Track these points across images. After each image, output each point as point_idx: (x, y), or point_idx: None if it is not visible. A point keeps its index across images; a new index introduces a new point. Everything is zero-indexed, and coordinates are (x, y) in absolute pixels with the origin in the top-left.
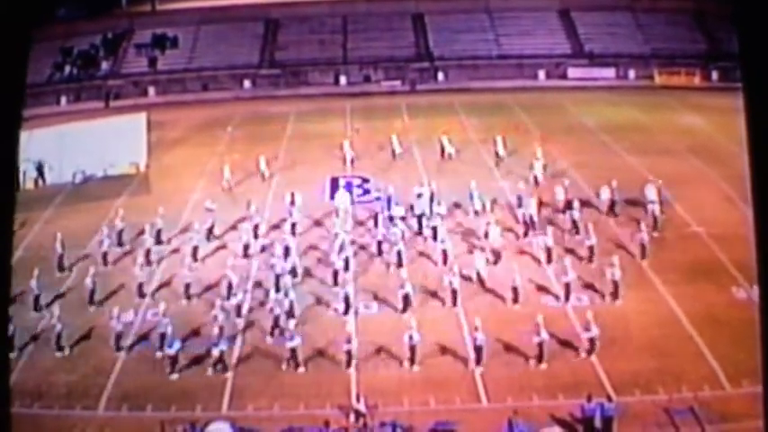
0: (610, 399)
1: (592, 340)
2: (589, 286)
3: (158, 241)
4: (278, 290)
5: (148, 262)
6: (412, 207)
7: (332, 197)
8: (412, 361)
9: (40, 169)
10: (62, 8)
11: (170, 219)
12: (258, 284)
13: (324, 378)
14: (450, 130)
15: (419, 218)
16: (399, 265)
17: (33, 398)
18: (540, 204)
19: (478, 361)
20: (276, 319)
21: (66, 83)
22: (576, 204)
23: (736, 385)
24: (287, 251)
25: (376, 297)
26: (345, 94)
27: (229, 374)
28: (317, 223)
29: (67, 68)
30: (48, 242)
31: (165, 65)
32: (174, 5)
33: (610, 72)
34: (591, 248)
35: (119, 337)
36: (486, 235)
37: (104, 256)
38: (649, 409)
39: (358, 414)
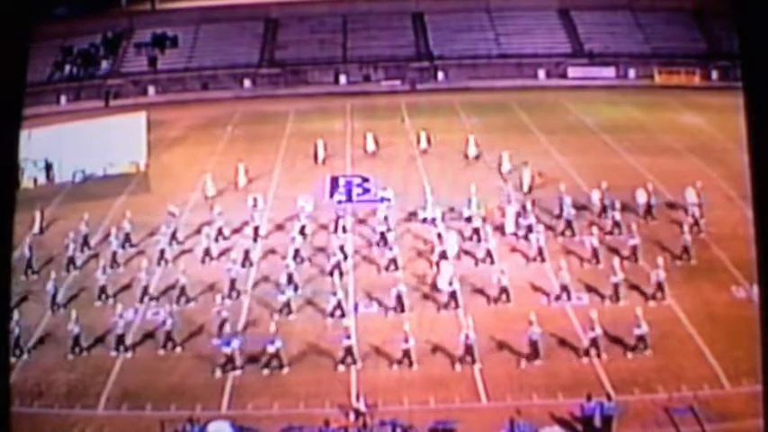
0: (609, 398)
1: (641, 337)
2: (635, 287)
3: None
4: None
5: (161, 260)
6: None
7: (331, 196)
8: (410, 361)
9: (47, 168)
10: (62, 7)
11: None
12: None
13: (323, 377)
14: (431, 127)
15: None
16: (396, 267)
17: (33, 397)
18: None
19: (473, 360)
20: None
21: (66, 82)
22: (617, 205)
23: (735, 384)
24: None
25: (374, 297)
26: (345, 93)
27: (230, 374)
28: (280, 227)
29: (67, 67)
30: (53, 240)
31: (164, 64)
32: (173, 5)
33: (610, 71)
34: (634, 248)
35: (121, 336)
36: (478, 234)
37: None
38: (649, 408)
39: (358, 413)
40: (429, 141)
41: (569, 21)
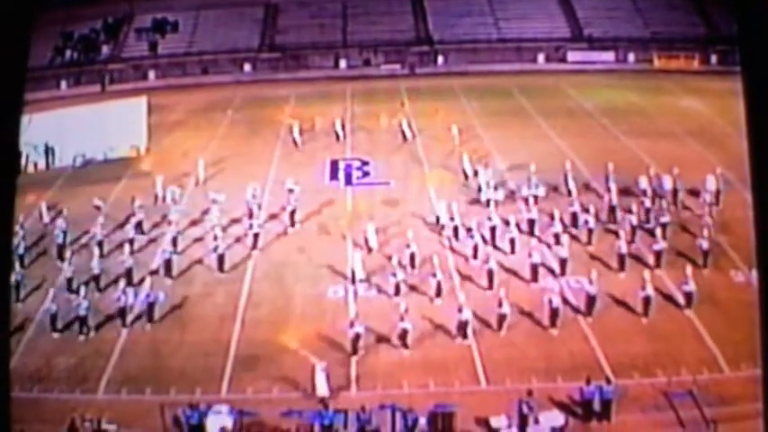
0: (609, 381)
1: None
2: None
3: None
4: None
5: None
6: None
7: (331, 179)
8: (405, 344)
9: (47, 152)
10: None
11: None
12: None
13: (323, 361)
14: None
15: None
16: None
17: (33, 381)
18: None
19: (464, 336)
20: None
21: (66, 67)
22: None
23: (734, 368)
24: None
25: (374, 281)
26: (345, 77)
27: (230, 358)
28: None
29: (68, 53)
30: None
31: (165, 49)
32: None
33: (609, 55)
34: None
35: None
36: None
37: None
38: (648, 392)
39: (323, 402)
40: (411, 128)
41: (569, 5)
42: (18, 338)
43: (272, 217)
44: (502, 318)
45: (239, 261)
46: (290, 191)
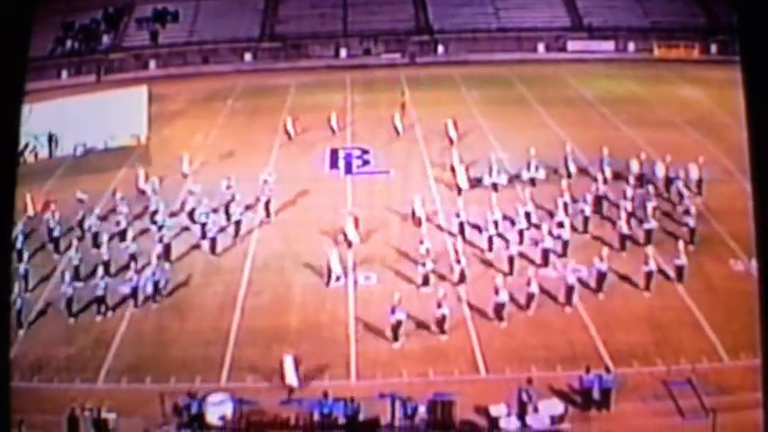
0: (608, 370)
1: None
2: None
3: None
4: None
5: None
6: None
7: (331, 168)
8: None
9: (50, 141)
10: None
11: (170, 191)
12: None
13: (322, 350)
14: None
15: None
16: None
17: (33, 371)
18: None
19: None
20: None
21: (67, 57)
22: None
23: (733, 357)
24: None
25: (375, 269)
26: (345, 66)
27: (229, 347)
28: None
29: (69, 43)
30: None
31: (166, 38)
32: None
33: (609, 45)
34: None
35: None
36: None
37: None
38: (647, 381)
39: (290, 390)
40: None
41: None
42: (18, 326)
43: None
44: (500, 306)
45: (240, 249)
46: (265, 182)
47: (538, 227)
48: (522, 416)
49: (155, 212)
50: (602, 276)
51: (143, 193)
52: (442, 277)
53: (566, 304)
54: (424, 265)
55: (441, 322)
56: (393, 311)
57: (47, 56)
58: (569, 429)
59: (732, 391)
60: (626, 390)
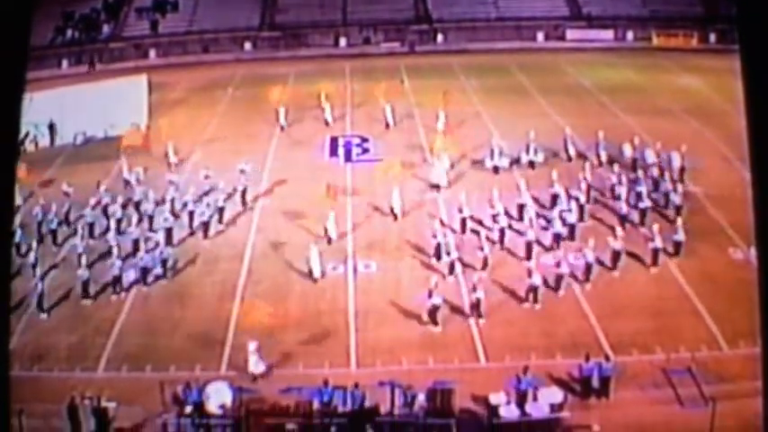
0: (608, 358)
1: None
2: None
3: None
4: None
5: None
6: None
7: (331, 156)
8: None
9: (51, 129)
10: None
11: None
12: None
13: (323, 338)
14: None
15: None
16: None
17: (33, 360)
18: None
19: (478, 315)
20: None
21: (67, 46)
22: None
23: (733, 346)
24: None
25: (375, 256)
26: (345, 55)
27: (229, 335)
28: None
29: (69, 32)
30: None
31: (166, 28)
32: None
33: (608, 34)
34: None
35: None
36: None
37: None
38: (647, 369)
39: (254, 378)
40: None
41: None
42: (18, 316)
43: (266, 193)
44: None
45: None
46: (242, 171)
47: (540, 215)
48: (521, 404)
49: (159, 200)
50: (616, 255)
51: (138, 181)
52: (432, 268)
53: (584, 281)
54: (481, 248)
55: (476, 305)
56: (430, 295)
57: (47, 45)
58: (569, 417)
59: (731, 379)
60: (625, 378)
